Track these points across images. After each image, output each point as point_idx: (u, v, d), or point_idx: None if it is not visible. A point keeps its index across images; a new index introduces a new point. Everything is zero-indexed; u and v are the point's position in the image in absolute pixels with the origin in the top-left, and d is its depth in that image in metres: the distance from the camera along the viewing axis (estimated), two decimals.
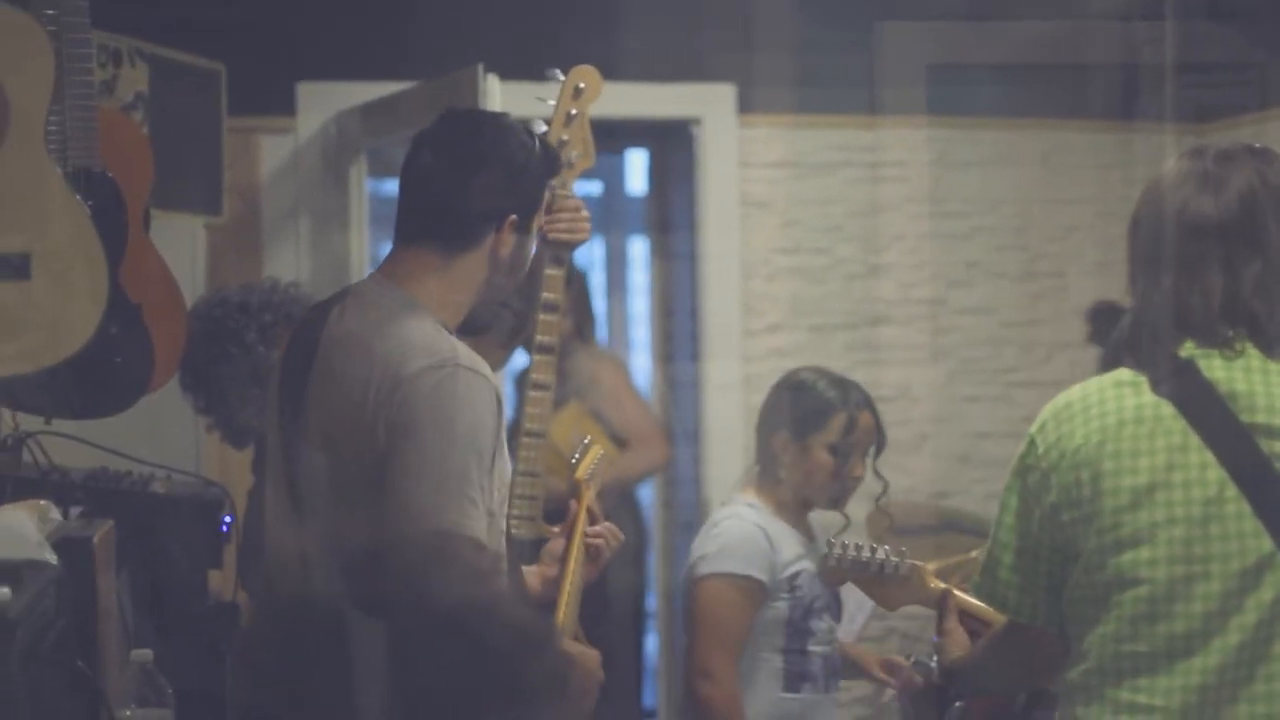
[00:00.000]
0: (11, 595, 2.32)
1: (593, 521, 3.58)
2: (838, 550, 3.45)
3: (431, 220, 3.07)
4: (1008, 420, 5.95)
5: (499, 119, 3.19)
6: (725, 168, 5.95)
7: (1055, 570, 2.75)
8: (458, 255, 3.05)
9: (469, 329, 3.26)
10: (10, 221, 2.38)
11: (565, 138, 3.72)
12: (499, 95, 4.77)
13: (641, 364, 6.79)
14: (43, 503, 2.69)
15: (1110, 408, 2.69)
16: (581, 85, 3.72)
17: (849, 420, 3.96)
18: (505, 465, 3.02)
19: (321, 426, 2.99)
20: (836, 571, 3.50)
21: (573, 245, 3.72)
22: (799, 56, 5.69)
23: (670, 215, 6.35)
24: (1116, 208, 5.88)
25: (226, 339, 4.14)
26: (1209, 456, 2.63)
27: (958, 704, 3.25)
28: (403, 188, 3.12)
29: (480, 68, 4.74)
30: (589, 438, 3.97)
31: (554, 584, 3.47)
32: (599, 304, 6.80)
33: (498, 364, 4.09)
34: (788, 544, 3.96)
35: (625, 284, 7.54)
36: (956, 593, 3.34)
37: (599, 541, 3.57)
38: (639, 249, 7.34)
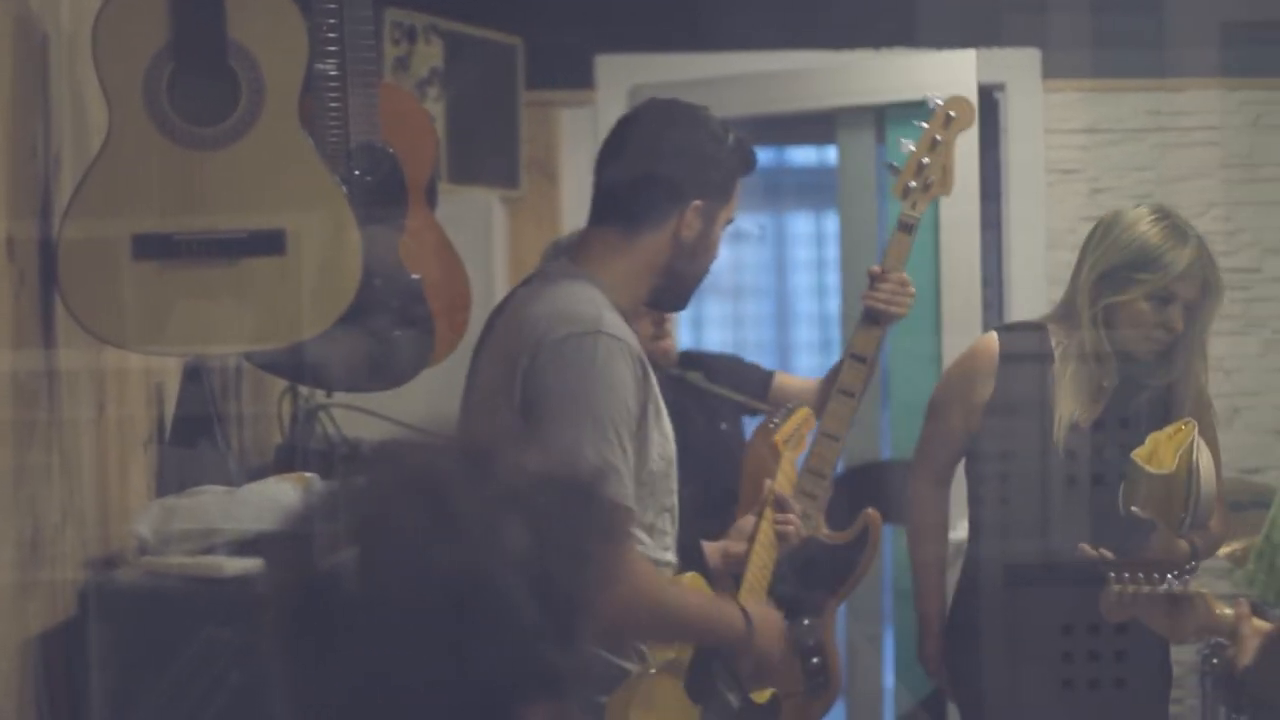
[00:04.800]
0: (266, 567, 2.36)
1: (783, 507, 3.48)
2: (1117, 586, 3.19)
3: (617, 200, 3.18)
4: None
5: (694, 109, 3.26)
6: (1030, 134, 5.82)
7: None
8: (639, 235, 3.14)
9: None
10: (265, 198, 2.42)
11: (926, 160, 3.78)
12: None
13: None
14: (309, 475, 2.75)
15: None
16: (953, 114, 3.77)
17: None
18: (664, 442, 3.07)
19: (478, 397, 3.13)
20: (1120, 607, 3.24)
21: (890, 317, 3.76)
22: (1094, 18, 5.52)
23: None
24: None
25: None
26: None
27: None
28: (595, 170, 3.25)
29: None
30: (792, 403, 3.85)
31: (735, 560, 3.43)
32: None
33: None
34: None
35: None
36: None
37: (788, 528, 3.48)
38: None
